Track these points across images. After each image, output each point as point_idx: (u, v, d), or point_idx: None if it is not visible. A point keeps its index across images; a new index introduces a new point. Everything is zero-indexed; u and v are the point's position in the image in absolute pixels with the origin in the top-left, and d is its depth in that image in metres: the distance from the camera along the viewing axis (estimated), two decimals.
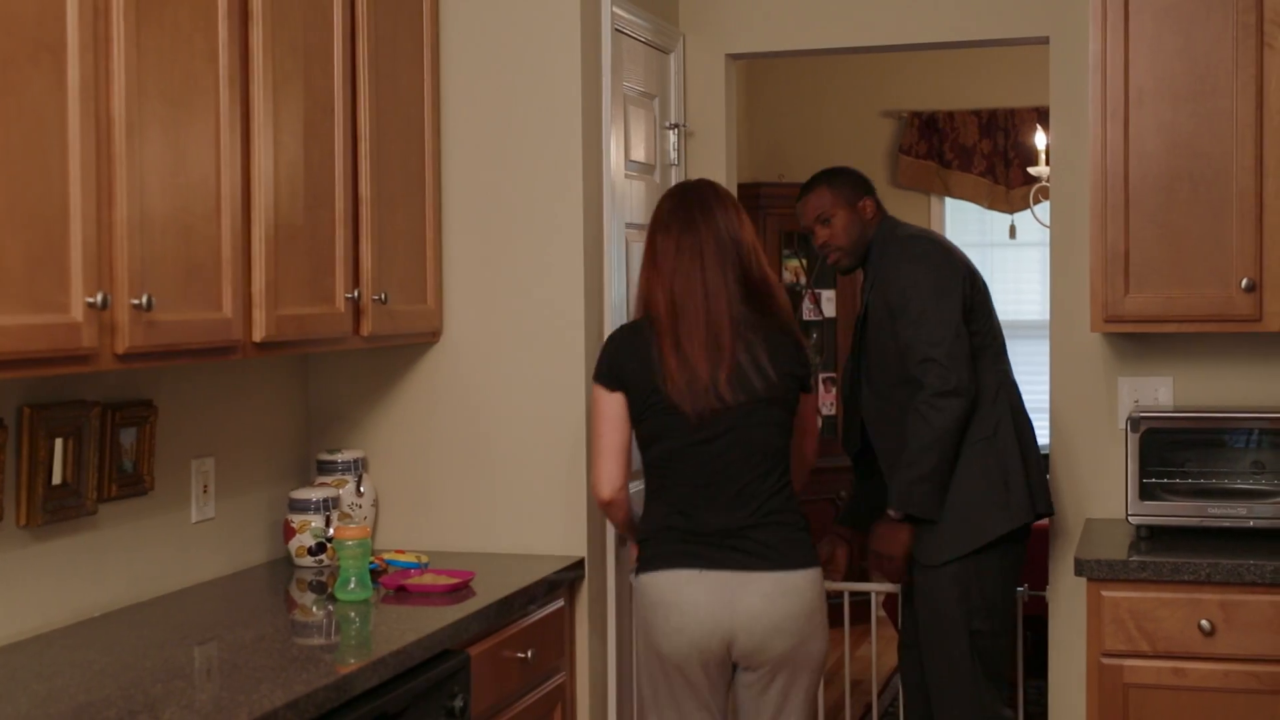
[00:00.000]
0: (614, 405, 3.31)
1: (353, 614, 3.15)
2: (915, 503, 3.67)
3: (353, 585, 3.22)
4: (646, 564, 3.31)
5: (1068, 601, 4.05)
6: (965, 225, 7.95)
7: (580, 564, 3.66)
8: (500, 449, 3.73)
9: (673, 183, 4.31)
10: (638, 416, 3.30)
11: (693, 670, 3.26)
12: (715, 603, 3.22)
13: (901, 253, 3.82)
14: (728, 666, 3.31)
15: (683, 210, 3.34)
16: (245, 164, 2.89)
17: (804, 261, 7.59)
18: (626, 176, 3.94)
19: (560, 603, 3.57)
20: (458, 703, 2.93)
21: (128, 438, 3.11)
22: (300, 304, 3.07)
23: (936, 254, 3.82)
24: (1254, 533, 3.69)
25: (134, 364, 2.59)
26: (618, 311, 3.83)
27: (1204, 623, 3.45)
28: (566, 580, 3.60)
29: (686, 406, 3.24)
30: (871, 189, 3.94)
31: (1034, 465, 3.81)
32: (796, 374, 3.34)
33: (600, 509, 3.47)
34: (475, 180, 3.71)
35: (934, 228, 7.86)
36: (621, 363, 3.31)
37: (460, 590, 3.29)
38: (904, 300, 3.73)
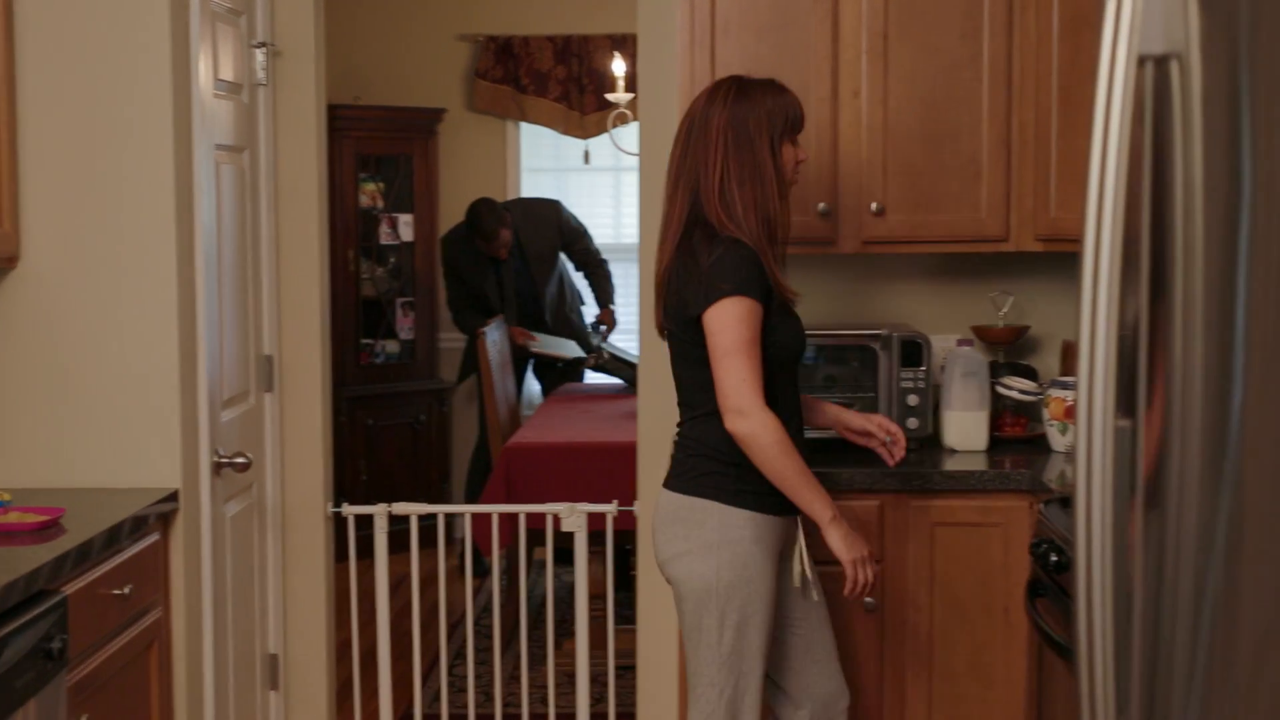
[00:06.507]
0: None
1: None
2: None
3: None
4: None
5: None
6: (540, 150, 8.06)
7: (174, 496, 3.55)
8: (86, 379, 3.56)
9: (261, 103, 4.20)
10: None
11: None
12: None
13: None
14: None
15: None
16: None
17: (381, 185, 7.53)
18: (215, 96, 3.81)
19: (156, 536, 3.47)
20: (55, 644, 2.81)
21: None
22: None
23: None
24: (831, 443, 3.92)
25: None
26: (209, 234, 3.72)
27: None
28: (160, 513, 3.49)
29: None
30: None
31: None
32: (685, 297, 3.13)
33: None
34: (55, 99, 3.50)
35: (509, 153, 7.96)
36: None
37: (50, 528, 3.14)
38: None
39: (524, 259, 7.17)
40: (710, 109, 3.14)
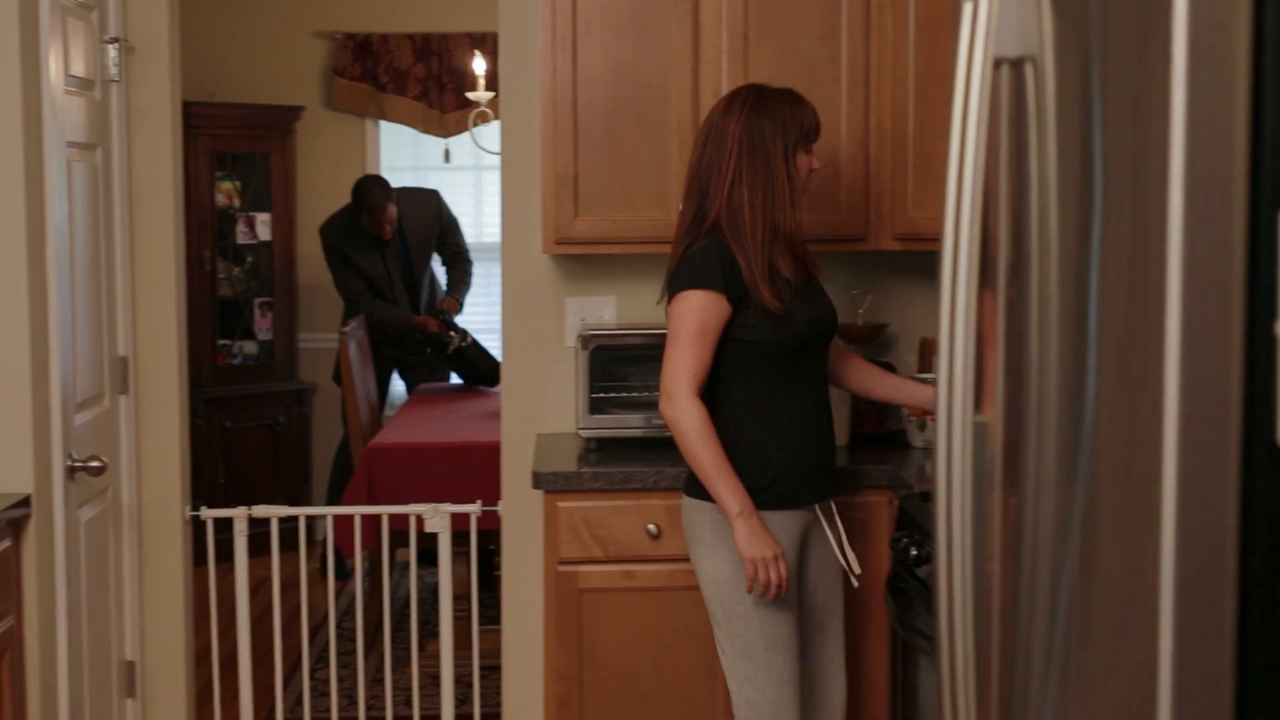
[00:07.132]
0: None
1: None
2: None
3: None
4: None
5: (521, 514, 4.20)
6: (400, 149, 7.99)
7: (26, 501, 3.47)
8: None
9: (114, 100, 4.12)
10: None
11: None
12: None
13: None
14: None
15: None
16: None
17: (237, 184, 7.42)
18: (67, 92, 3.73)
19: (7, 542, 3.38)
20: None
21: None
22: None
23: None
24: None
25: None
26: (60, 234, 3.64)
27: (651, 527, 3.66)
28: (12, 519, 3.40)
29: None
30: None
31: None
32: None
33: None
34: None
35: (369, 151, 7.89)
36: None
37: None
38: None
39: (405, 245, 7.12)
40: (727, 118, 3.24)
